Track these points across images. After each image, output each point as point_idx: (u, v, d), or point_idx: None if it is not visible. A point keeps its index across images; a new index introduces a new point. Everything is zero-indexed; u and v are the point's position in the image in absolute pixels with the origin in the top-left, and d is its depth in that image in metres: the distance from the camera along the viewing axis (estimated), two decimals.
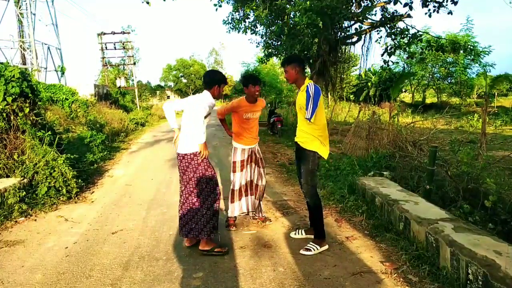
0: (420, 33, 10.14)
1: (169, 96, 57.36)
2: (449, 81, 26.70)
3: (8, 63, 5.94)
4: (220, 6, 10.76)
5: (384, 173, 4.96)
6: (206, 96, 3.10)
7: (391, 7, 10.05)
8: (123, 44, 27.84)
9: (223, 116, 3.77)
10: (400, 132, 6.07)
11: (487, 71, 22.65)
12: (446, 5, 9.21)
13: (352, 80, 30.88)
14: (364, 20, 10.01)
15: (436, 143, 5.23)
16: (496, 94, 27.66)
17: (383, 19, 9.93)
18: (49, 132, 5.41)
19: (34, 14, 22.51)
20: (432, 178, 3.89)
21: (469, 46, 18.98)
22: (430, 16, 9.47)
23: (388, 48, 10.43)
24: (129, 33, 27.60)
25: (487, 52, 22.57)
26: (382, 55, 10.63)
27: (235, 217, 3.68)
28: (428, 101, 31.24)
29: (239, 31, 11.20)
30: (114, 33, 26.86)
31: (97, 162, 7.16)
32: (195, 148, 3.01)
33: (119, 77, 27.01)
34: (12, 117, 5.16)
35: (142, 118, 17.98)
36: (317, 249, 3.05)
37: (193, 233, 3.07)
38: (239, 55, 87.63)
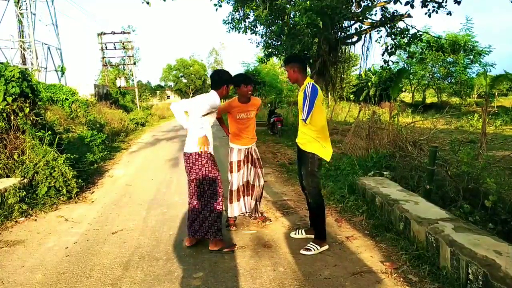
0: (420, 33, 10.14)
1: (169, 96, 57.38)
2: (449, 81, 26.72)
3: (8, 63, 5.94)
4: (220, 6, 10.76)
5: (384, 173, 4.96)
6: (211, 96, 3.09)
7: (391, 7, 10.07)
8: (123, 44, 27.87)
9: (219, 115, 3.77)
10: (400, 132, 6.06)
11: (487, 71, 22.68)
12: (446, 5, 9.21)
13: (352, 80, 30.87)
14: (364, 20, 10.00)
15: (436, 143, 5.22)
16: (496, 94, 27.66)
17: (383, 19, 9.93)
18: (49, 132, 5.41)
19: (34, 14, 22.53)
20: (432, 178, 3.88)
21: (469, 46, 18.98)
22: (429, 16, 9.47)
23: (388, 48, 10.44)
24: (129, 33, 27.65)
25: (487, 52, 22.59)
26: (383, 54, 10.64)
27: (235, 217, 3.68)
28: (428, 101, 31.25)
29: (239, 31, 11.21)
30: (114, 33, 26.88)
31: (97, 162, 7.16)
32: (200, 148, 3.02)
33: (119, 77, 27.04)
34: (12, 117, 5.16)
35: (142, 118, 18.01)
36: (317, 249, 3.05)
37: (199, 234, 3.11)
38: (239, 55, 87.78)
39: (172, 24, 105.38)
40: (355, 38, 10.79)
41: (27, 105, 5.30)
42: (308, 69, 11.14)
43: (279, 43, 11.47)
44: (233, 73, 3.37)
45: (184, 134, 12.91)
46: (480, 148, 5.58)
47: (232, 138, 3.59)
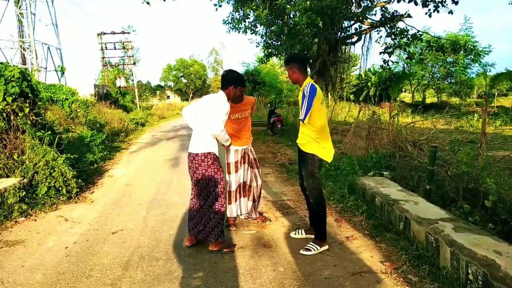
0: (420, 33, 10.14)
1: (169, 96, 57.36)
2: (449, 81, 26.74)
3: (8, 63, 5.94)
4: (220, 6, 10.77)
5: (384, 173, 4.96)
6: (221, 102, 3.05)
7: (391, 7, 10.08)
8: (123, 44, 27.84)
9: None
10: (400, 132, 6.06)
11: (487, 71, 22.69)
12: (446, 4, 9.22)
13: (352, 80, 30.88)
14: (364, 20, 10.01)
15: (436, 143, 5.22)
16: (496, 94, 27.66)
17: (383, 19, 9.93)
18: (49, 132, 5.41)
19: (34, 14, 22.52)
20: (432, 178, 3.88)
21: (469, 46, 19.01)
22: (430, 16, 9.48)
23: (388, 47, 10.44)
24: (129, 33, 27.62)
25: (486, 52, 22.61)
26: (381, 53, 10.65)
27: (235, 217, 3.68)
28: (428, 101, 31.26)
29: (239, 31, 11.20)
30: (114, 33, 26.86)
31: (97, 162, 7.16)
32: (207, 149, 3.02)
33: (119, 77, 27.01)
34: (12, 117, 5.16)
35: (142, 118, 18.00)
36: (317, 249, 3.05)
37: (201, 235, 3.11)
38: (239, 55, 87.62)
39: (172, 24, 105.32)
40: (355, 38, 10.79)
41: (27, 105, 5.30)
42: (308, 69, 11.15)
43: (279, 43, 11.47)
44: None
45: (183, 134, 12.91)
46: (480, 148, 5.57)
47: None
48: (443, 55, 14.72)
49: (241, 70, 26.76)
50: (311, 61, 10.75)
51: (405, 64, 26.11)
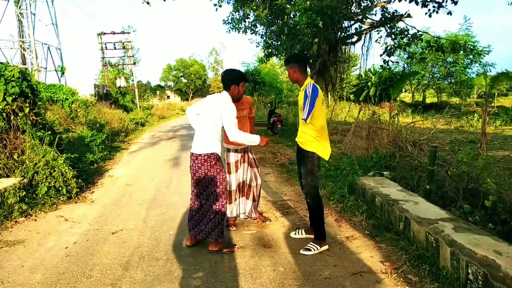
0: (420, 33, 10.14)
1: (169, 96, 57.35)
2: (449, 81, 26.74)
3: (8, 63, 5.94)
4: (220, 6, 10.75)
5: (384, 173, 4.96)
6: (225, 102, 3.05)
7: (391, 7, 10.07)
8: (123, 44, 27.82)
9: None
10: (400, 132, 6.06)
11: (487, 71, 22.68)
12: (446, 5, 9.22)
13: (352, 80, 30.88)
14: (364, 20, 10.00)
15: (436, 143, 5.22)
16: (496, 94, 27.64)
17: (383, 19, 9.93)
18: (49, 132, 5.41)
19: (34, 14, 22.54)
20: (432, 178, 3.88)
21: (469, 46, 19.00)
22: (430, 16, 9.48)
23: (388, 48, 10.44)
24: (129, 33, 27.58)
25: (486, 52, 22.60)
26: (382, 55, 10.65)
27: (235, 217, 3.67)
28: (428, 101, 31.27)
29: (239, 31, 11.19)
30: (114, 33, 26.82)
31: (97, 162, 7.16)
32: (209, 150, 3.02)
33: (119, 77, 27.00)
34: (12, 117, 5.16)
35: (142, 118, 17.98)
36: (317, 249, 3.05)
37: (201, 235, 3.11)
38: (239, 55, 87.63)
39: (172, 24, 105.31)
40: (355, 38, 10.79)
41: (27, 105, 5.30)
42: (308, 69, 11.15)
43: (279, 43, 11.46)
44: None
45: (183, 134, 12.90)
46: (480, 148, 5.57)
47: (227, 139, 3.57)
48: (443, 55, 14.73)
49: (241, 70, 26.68)
50: (311, 61, 10.76)
51: (405, 64, 26.09)
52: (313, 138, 3.04)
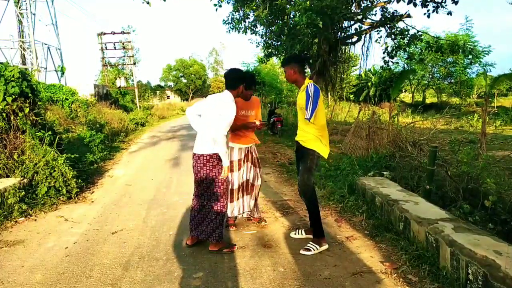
0: (420, 33, 10.14)
1: (169, 96, 57.35)
2: (449, 81, 26.74)
3: (8, 63, 5.94)
4: (220, 6, 10.75)
5: (384, 173, 4.96)
6: (227, 102, 3.03)
7: (391, 7, 10.08)
8: (123, 44, 27.82)
9: None
10: (400, 132, 6.06)
11: (487, 71, 22.69)
12: (446, 5, 9.22)
13: (352, 80, 30.87)
14: (364, 20, 10.01)
15: (436, 143, 5.22)
16: (496, 94, 27.64)
17: (383, 19, 9.94)
18: (49, 132, 5.41)
19: (34, 14, 22.53)
20: (432, 178, 3.88)
21: (468, 47, 19.00)
22: (428, 16, 9.48)
23: (388, 49, 10.45)
24: (129, 33, 27.59)
25: (486, 52, 22.60)
26: (384, 57, 10.65)
27: (235, 217, 3.67)
28: (428, 101, 31.27)
29: (239, 31, 11.20)
30: (114, 33, 26.83)
31: (97, 162, 7.16)
32: (211, 150, 3.01)
33: (119, 77, 27.01)
34: (12, 117, 5.16)
35: (142, 118, 17.98)
36: (317, 249, 3.05)
37: (203, 236, 3.11)
38: (239, 55, 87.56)
39: (172, 24, 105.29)
40: (355, 38, 10.79)
41: (27, 105, 5.30)
42: (308, 69, 11.17)
43: (279, 43, 11.47)
44: None
45: (183, 134, 12.89)
46: (480, 148, 5.57)
47: (232, 137, 3.57)
48: (442, 56, 14.74)
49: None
50: (311, 61, 10.76)
51: (405, 64, 26.10)
52: (315, 137, 3.06)
